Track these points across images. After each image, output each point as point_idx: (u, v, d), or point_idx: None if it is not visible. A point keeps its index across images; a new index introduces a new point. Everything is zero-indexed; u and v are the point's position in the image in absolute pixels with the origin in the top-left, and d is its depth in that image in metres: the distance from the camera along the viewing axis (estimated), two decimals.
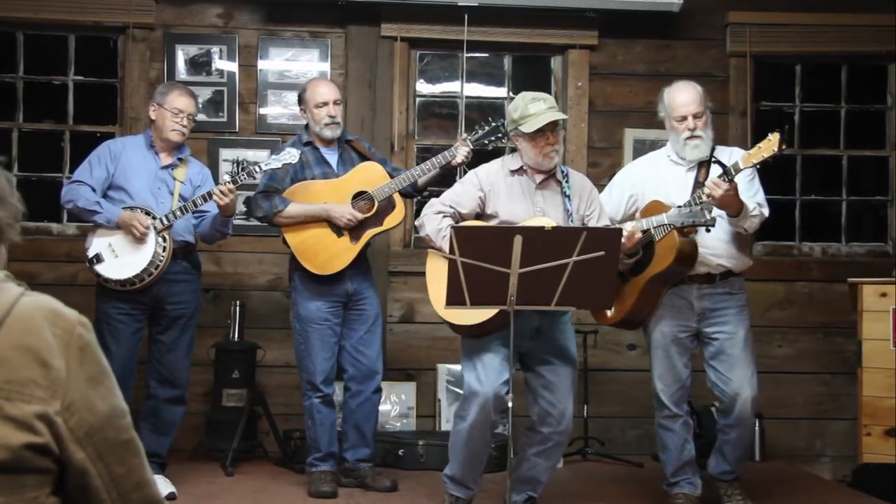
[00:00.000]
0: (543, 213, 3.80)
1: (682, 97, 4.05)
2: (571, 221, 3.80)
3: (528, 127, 3.73)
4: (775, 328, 5.60)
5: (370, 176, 4.41)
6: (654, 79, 5.65)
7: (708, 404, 4.98)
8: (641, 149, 5.55)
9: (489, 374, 3.72)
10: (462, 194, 3.87)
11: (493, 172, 3.89)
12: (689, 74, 5.45)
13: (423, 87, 5.76)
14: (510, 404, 3.41)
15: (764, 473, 5.00)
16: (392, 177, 4.41)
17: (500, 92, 5.81)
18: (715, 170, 3.95)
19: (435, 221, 3.80)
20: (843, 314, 5.31)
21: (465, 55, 5.62)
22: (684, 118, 4.02)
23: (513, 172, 3.87)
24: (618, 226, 3.86)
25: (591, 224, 3.86)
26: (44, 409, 1.32)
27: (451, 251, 3.29)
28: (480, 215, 3.86)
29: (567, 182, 3.87)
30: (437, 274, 3.79)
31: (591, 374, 5.40)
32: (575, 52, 5.64)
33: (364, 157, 4.53)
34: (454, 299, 3.36)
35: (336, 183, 4.41)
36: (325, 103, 4.42)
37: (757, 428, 5.18)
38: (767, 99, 5.84)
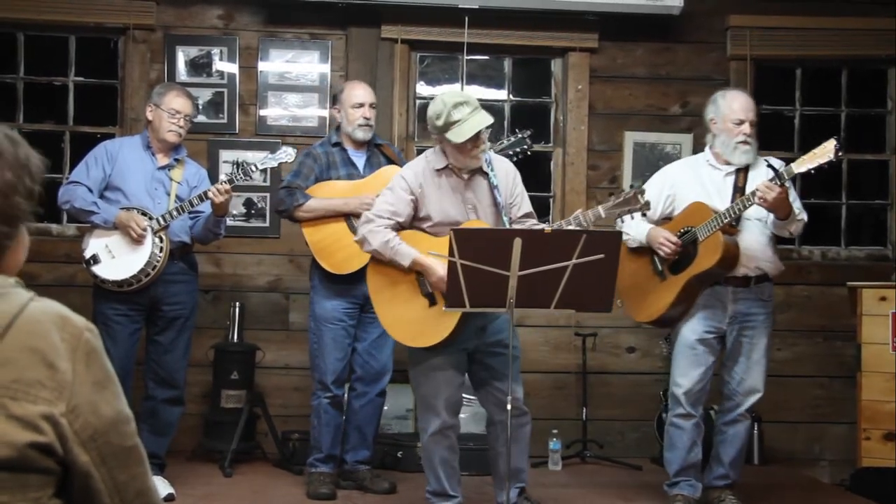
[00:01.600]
0: (475, 209, 3.76)
1: (743, 102, 4.16)
2: (504, 215, 3.77)
3: (455, 136, 3.62)
4: (774, 331, 5.48)
5: None
6: (655, 82, 5.66)
7: (707, 407, 4.97)
8: (641, 151, 5.56)
9: (442, 382, 3.73)
10: (397, 203, 3.75)
11: (420, 174, 3.79)
12: (690, 78, 5.47)
13: (423, 89, 5.76)
14: (509, 406, 3.42)
15: (762, 477, 5.00)
16: None
17: (501, 94, 5.80)
18: (753, 176, 4.06)
19: (380, 235, 3.70)
20: (842, 318, 5.31)
21: (466, 57, 5.62)
22: (742, 122, 4.11)
23: (439, 172, 3.78)
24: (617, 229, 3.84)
25: (515, 211, 3.84)
26: (49, 409, 1.33)
27: (451, 253, 3.29)
28: (414, 217, 3.79)
29: (493, 171, 3.80)
30: (384, 293, 3.78)
31: (589, 376, 5.40)
32: (575, 54, 5.64)
33: (392, 163, 4.54)
34: (453, 302, 3.36)
35: (357, 184, 4.43)
36: (362, 105, 4.47)
37: (756, 431, 5.19)
38: (767, 102, 5.83)
